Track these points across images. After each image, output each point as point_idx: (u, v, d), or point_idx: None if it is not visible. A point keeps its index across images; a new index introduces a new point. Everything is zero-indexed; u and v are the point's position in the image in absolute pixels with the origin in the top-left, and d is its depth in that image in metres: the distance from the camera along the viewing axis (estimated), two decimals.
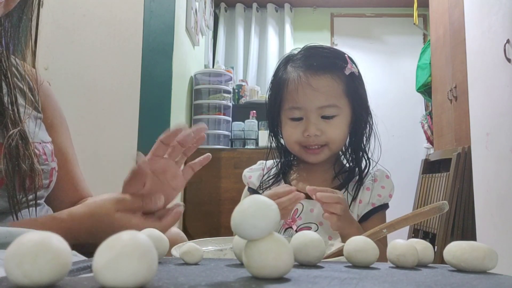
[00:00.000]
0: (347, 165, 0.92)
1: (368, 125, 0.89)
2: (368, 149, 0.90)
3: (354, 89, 0.87)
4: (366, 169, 0.89)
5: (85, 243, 0.52)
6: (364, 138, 0.89)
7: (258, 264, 0.27)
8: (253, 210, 0.27)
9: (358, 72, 0.88)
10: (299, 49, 0.92)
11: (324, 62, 0.86)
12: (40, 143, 0.65)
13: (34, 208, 0.60)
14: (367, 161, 0.89)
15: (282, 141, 0.93)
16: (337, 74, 0.85)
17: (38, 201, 0.63)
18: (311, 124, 0.83)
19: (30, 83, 0.68)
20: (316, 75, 0.84)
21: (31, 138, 0.61)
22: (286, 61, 0.91)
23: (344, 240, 0.75)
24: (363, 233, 0.52)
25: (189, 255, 0.37)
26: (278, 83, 0.89)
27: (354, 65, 0.87)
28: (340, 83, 0.85)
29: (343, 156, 0.93)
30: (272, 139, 0.94)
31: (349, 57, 0.88)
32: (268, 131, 0.94)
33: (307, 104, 0.83)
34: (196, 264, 0.36)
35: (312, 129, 0.83)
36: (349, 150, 0.92)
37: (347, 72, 0.85)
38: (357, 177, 0.88)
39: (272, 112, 0.91)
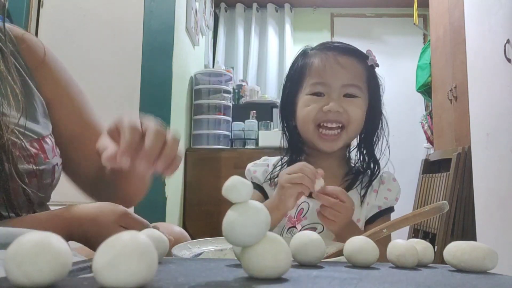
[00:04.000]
0: (357, 164, 0.90)
1: (380, 123, 0.89)
2: (381, 152, 0.88)
3: (374, 80, 0.88)
4: (377, 171, 0.87)
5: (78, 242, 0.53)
6: (375, 138, 0.89)
7: (256, 267, 0.27)
8: (242, 219, 0.27)
9: (377, 65, 0.89)
10: (315, 45, 0.92)
11: (350, 47, 0.88)
12: (36, 140, 0.59)
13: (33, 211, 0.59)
14: (378, 163, 0.88)
15: (294, 135, 0.90)
16: (361, 61, 0.86)
17: (42, 200, 0.62)
18: (333, 100, 0.82)
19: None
20: (344, 55, 0.85)
21: (20, 140, 0.56)
22: (304, 52, 0.91)
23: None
24: None
25: (234, 191, 0.28)
26: (301, 68, 0.88)
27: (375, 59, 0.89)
28: (364, 69, 0.86)
29: (352, 157, 0.92)
30: (285, 134, 0.91)
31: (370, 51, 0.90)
32: (281, 124, 0.92)
33: (333, 80, 0.83)
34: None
35: (334, 105, 0.81)
36: (361, 150, 0.90)
37: (369, 62, 0.87)
38: (367, 177, 0.86)
39: (289, 96, 0.89)
